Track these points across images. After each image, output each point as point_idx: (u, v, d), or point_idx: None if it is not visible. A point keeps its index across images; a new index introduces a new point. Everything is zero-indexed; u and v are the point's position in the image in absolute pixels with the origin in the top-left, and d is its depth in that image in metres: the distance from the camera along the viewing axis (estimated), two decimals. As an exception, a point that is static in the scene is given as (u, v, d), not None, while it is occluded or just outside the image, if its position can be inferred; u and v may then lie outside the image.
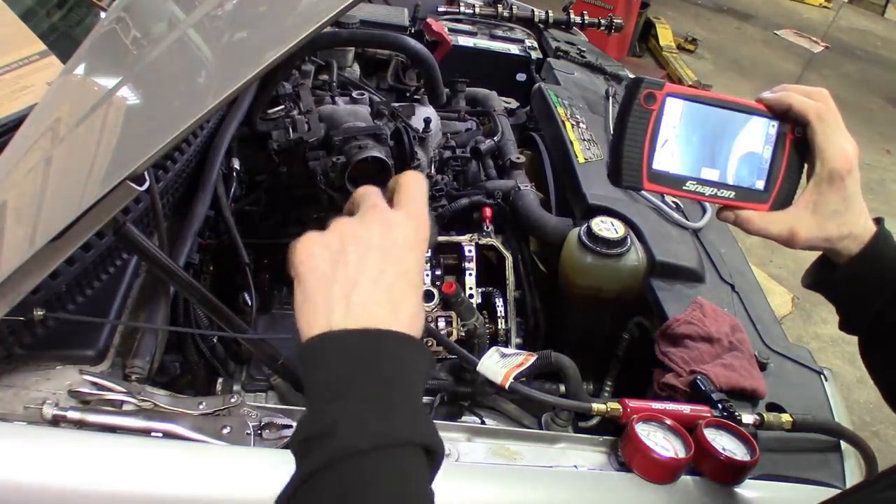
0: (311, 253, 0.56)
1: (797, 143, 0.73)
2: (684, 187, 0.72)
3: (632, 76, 1.96)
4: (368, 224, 0.56)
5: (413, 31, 1.89)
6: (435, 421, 0.95)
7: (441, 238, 1.40)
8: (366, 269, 0.54)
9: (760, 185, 0.74)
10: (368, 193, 0.60)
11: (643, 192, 1.12)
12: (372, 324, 0.52)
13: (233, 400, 0.88)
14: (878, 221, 0.76)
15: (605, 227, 1.21)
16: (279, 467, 0.78)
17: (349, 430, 0.48)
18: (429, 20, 1.89)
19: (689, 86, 5.31)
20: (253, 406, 0.89)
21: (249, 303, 1.17)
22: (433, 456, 0.51)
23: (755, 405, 1.01)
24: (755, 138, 0.73)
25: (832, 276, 0.76)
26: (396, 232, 0.56)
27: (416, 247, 0.57)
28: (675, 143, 0.71)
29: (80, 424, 0.81)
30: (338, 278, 0.54)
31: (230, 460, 0.80)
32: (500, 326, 1.32)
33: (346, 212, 0.62)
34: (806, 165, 0.74)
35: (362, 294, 0.53)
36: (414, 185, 0.60)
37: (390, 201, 0.60)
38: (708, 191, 0.73)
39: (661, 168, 0.71)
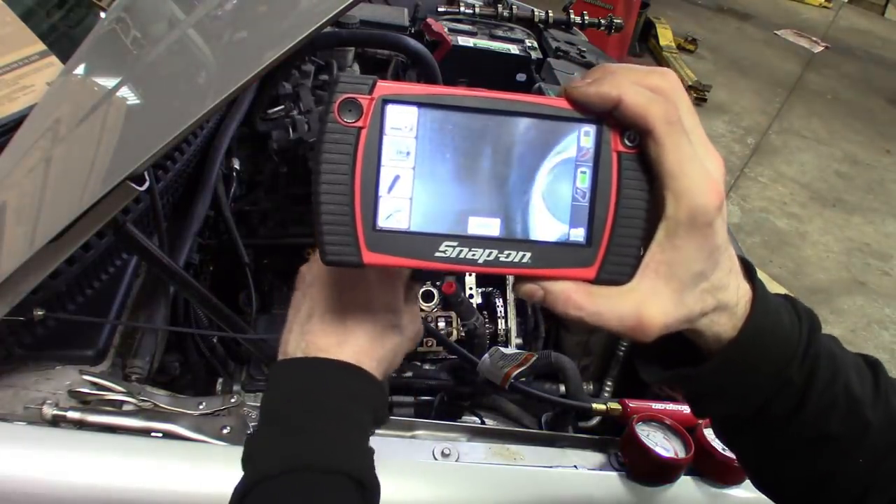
0: (296, 285, 0.58)
1: (631, 161, 0.45)
2: (439, 254, 0.45)
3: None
4: None
5: (413, 31, 1.89)
6: (435, 421, 0.95)
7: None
8: (322, 300, 0.55)
9: (579, 235, 0.46)
10: None
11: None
12: (315, 353, 0.53)
13: (233, 400, 0.88)
14: (751, 275, 0.49)
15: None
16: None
17: (263, 455, 0.50)
18: (429, 20, 1.88)
19: (688, 87, 5.28)
20: (253, 406, 0.89)
21: (249, 303, 1.17)
22: (365, 487, 0.50)
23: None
24: (559, 158, 0.46)
25: (696, 371, 0.48)
26: None
27: (381, 280, 0.56)
28: (411, 180, 0.45)
29: (80, 424, 0.81)
30: (301, 309, 0.56)
31: (230, 460, 0.80)
32: (500, 326, 1.32)
33: None
34: (646, 198, 0.46)
35: (312, 324, 0.54)
36: None
37: None
38: (484, 255, 0.45)
39: (393, 225, 0.45)
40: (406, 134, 0.44)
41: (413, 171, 0.45)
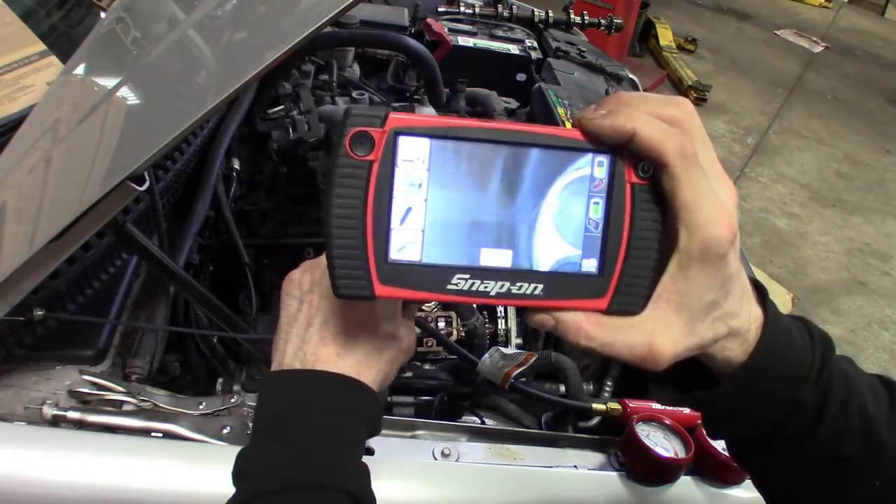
0: (288, 291, 0.57)
1: (644, 193, 0.45)
2: (451, 286, 0.45)
3: (632, 77, 1.95)
4: None
5: (413, 31, 1.89)
6: (435, 421, 0.95)
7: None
8: (321, 309, 0.54)
9: (591, 266, 0.46)
10: None
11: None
12: (313, 365, 0.52)
13: (233, 400, 0.88)
14: (763, 298, 0.49)
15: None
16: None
17: (259, 470, 0.49)
18: (429, 20, 1.88)
19: (688, 87, 5.29)
20: (253, 406, 0.89)
21: (249, 303, 1.17)
22: (360, 502, 0.50)
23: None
24: (572, 189, 0.45)
25: (708, 395, 0.48)
26: None
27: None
28: (424, 211, 0.44)
29: (80, 424, 0.81)
30: (298, 318, 0.55)
31: (230, 460, 0.80)
32: (500, 326, 1.32)
33: None
34: (659, 229, 0.46)
35: (311, 334, 0.53)
36: None
37: None
38: (496, 287, 0.45)
39: (405, 257, 0.44)
40: (418, 166, 0.44)
41: (425, 203, 0.44)
